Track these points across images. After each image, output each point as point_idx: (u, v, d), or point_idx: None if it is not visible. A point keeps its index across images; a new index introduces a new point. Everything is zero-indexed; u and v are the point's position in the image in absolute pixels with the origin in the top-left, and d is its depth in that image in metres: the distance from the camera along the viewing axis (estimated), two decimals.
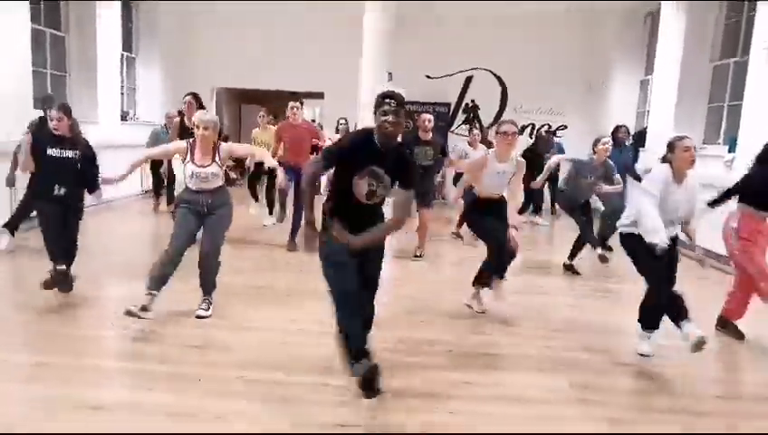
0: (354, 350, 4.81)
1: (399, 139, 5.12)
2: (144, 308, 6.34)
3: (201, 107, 10.41)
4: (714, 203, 7.16)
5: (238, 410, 4.77)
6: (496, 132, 7.36)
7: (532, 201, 15.99)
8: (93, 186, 7.60)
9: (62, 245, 7.33)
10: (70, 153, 7.34)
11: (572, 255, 9.99)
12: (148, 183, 15.41)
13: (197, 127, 6.79)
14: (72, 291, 7.37)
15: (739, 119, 11.24)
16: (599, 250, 9.81)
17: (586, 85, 18.65)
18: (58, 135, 7.30)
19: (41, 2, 12.69)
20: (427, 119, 10.32)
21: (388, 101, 4.89)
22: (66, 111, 7.37)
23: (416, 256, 10.14)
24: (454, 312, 7.48)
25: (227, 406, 4.81)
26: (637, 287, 6.65)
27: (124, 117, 16.26)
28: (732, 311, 7.22)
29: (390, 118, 4.84)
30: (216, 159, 6.90)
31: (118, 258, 7.86)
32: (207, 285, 6.97)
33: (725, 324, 7.22)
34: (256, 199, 13.16)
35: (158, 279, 6.56)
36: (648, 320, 6.39)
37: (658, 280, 6.15)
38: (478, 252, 7.80)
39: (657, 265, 6.09)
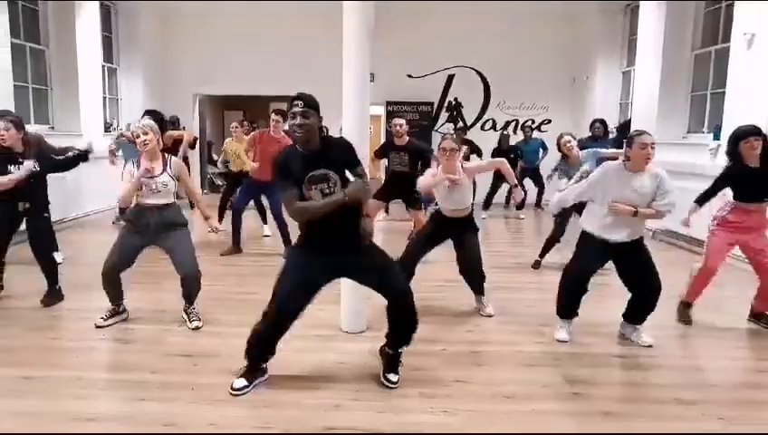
0: (255, 354, 5.33)
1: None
2: (109, 316, 6.73)
3: (161, 125, 10.23)
4: (703, 198, 7.12)
5: (230, 416, 4.76)
6: (438, 148, 7.31)
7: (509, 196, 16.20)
8: (76, 162, 7.58)
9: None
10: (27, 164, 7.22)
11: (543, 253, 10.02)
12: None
13: (137, 136, 6.47)
14: (59, 303, 7.45)
15: (722, 106, 11.27)
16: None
17: (569, 79, 18.70)
18: (6, 148, 7.17)
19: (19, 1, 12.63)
20: (399, 124, 10.04)
21: (295, 102, 4.85)
22: (14, 123, 7.24)
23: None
24: (444, 311, 7.50)
25: (220, 413, 4.79)
26: (614, 278, 6.65)
27: (108, 128, 16.20)
28: (762, 302, 7.23)
29: (297, 120, 4.82)
30: (168, 169, 6.59)
31: (100, 270, 7.80)
32: (191, 297, 6.90)
33: (758, 316, 7.27)
34: (221, 219, 12.04)
35: (112, 297, 6.83)
36: (561, 309, 6.68)
37: (585, 269, 6.43)
38: None
39: (587, 258, 6.44)
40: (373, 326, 6.37)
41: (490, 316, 7.42)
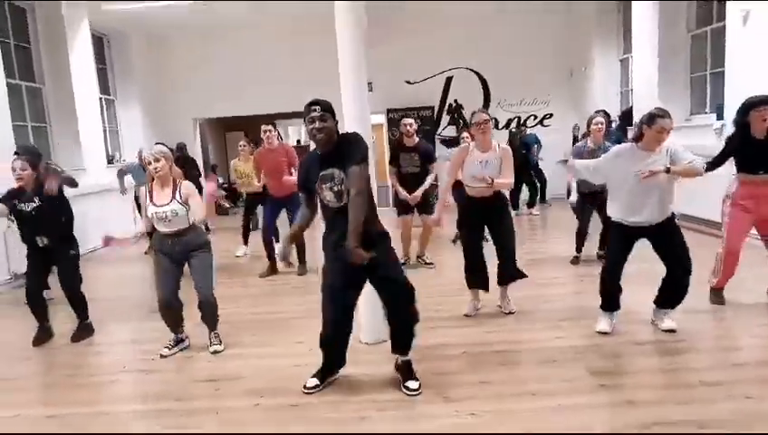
0: (322, 367, 5.58)
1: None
2: (166, 346, 6.77)
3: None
4: (711, 166, 7.02)
5: None
6: (471, 124, 7.29)
7: (531, 193, 16.15)
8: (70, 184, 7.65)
9: (44, 308, 7.49)
10: (34, 204, 7.22)
11: (601, 244, 9.78)
12: (141, 227, 15.32)
13: (149, 163, 6.45)
14: (89, 337, 7.50)
15: (723, 86, 11.24)
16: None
17: (567, 71, 18.64)
18: (21, 187, 7.23)
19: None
20: (408, 123, 10.03)
21: (313, 108, 5.03)
22: (30, 161, 7.30)
23: (426, 263, 10.23)
24: (460, 314, 7.44)
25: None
26: (641, 267, 6.60)
27: (111, 160, 16.20)
28: None
29: (317, 124, 4.99)
30: (177, 196, 6.50)
31: (119, 303, 7.83)
32: (211, 323, 6.91)
33: None
34: (246, 241, 12.37)
35: (170, 326, 6.80)
36: (604, 301, 6.63)
37: (614, 265, 6.43)
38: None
39: (620, 252, 6.40)
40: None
41: (511, 313, 7.40)
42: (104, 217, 7.42)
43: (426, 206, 10.07)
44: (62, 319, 7.75)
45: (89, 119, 14.76)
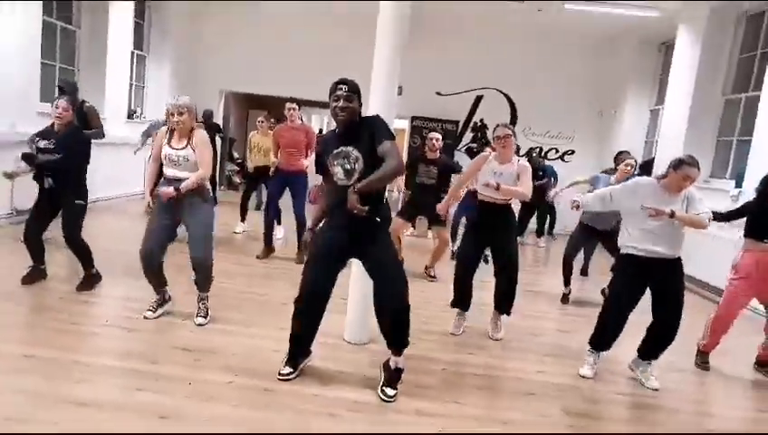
0: (289, 351, 5.59)
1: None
2: (149, 308, 6.80)
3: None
4: (721, 217, 7.30)
5: (224, 414, 4.73)
6: (493, 137, 7.43)
7: (540, 222, 16.12)
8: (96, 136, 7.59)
9: (39, 244, 7.53)
10: (51, 144, 7.24)
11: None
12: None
13: (172, 114, 6.47)
14: (93, 288, 7.56)
15: (747, 154, 11.20)
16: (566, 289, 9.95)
17: (596, 111, 18.61)
18: (52, 125, 7.30)
19: None
20: (436, 138, 10.13)
21: (340, 86, 5.11)
22: (72, 103, 7.43)
23: (430, 276, 10.22)
24: (447, 331, 7.43)
25: (214, 410, 4.76)
26: (633, 316, 6.60)
27: (131, 115, 16.26)
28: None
29: (341, 103, 5.07)
30: (192, 143, 6.53)
31: (115, 257, 7.82)
32: (202, 285, 6.89)
33: (765, 365, 7.29)
34: (243, 218, 12.51)
35: (153, 283, 6.83)
36: (595, 338, 6.60)
37: (617, 299, 6.41)
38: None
39: (626, 286, 6.35)
40: (377, 339, 6.32)
41: (497, 340, 7.40)
42: (116, 170, 7.42)
43: (438, 220, 10.04)
44: (60, 262, 7.76)
45: (118, 70, 14.82)
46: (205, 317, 6.79)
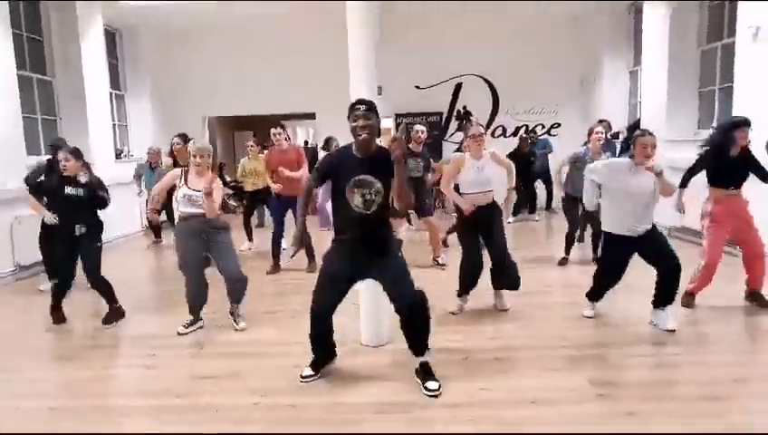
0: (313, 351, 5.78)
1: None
2: (183, 325, 7.29)
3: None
4: (682, 184, 7.65)
5: None
6: (467, 137, 7.81)
7: (528, 200, 16.24)
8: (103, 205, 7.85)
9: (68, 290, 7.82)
10: (83, 191, 7.56)
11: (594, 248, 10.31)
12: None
13: (194, 156, 7.03)
14: (121, 320, 7.85)
15: (731, 101, 11.23)
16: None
17: (576, 82, 18.61)
18: (67, 175, 7.52)
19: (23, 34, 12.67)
20: (421, 130, 10.41)
21: (358, 106, 5.13)
22: (73, 152, 7.60)
23: (440, 264, 10.35)
24: (465, 319, 7.48)
25: (245, 433, 4.79)
26: (643, 277, 6.68)
27: (119, 155, 16.22)
28: (753, 280, 7.67)
29: (360, 122, 5.07)
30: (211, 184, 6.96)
31: (123, 297, 7.83)
32: (237, 295, 7.46)
33: (752, 295, 7.70)
34: (250, 237, 12.92)
35: (194, 308, 7.34)
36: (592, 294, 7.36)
37: (610, 270, 7.07)
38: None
39: (615, 260, 6.94)
40: (394, 340, 6.35)
41: (505, 310, 7.73)
42: (111, 211, 7.50)
43: (424, 209, 10.38)
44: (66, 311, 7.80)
45: (99, 113, 14.74)
46: (245, 321, 7.45)
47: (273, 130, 10.55)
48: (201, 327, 7.37)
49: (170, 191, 7.90)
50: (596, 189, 6.98)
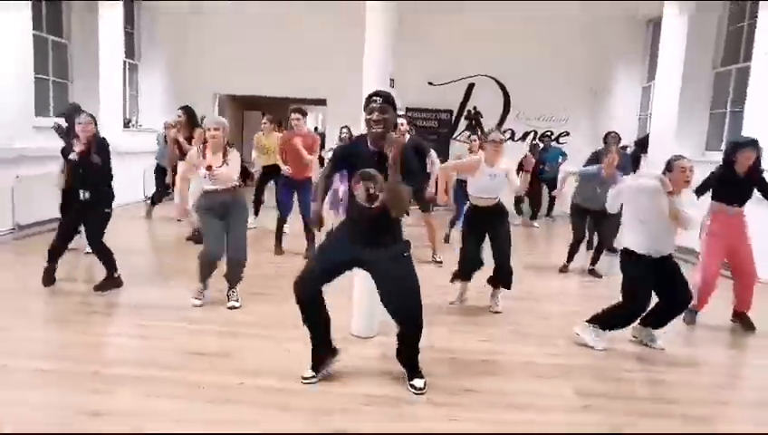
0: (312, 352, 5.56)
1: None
2: (196, 297, 7.47)
3: (193, 120, 10.94)
4: (698, 192, 7.73)
5: (238, 417, 4.76)
6: (486, 141, 7.79)
7: (532, 206, 16.31)
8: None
9: (63, 250, 7.87)
10: (95, 157, 7.59)
11: (593, 260, 10.44)
12: (151, 190, 15.33)
13: (208, 129, 7.20)
14: (115, 289, 7.87)
15: (741, 125, 11.23)
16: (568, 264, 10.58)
17: (588, 92, 18.60)
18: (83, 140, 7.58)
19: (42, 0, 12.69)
20: (400, 123, 10.30)
21: (374, 99, 5.04)
22: (93, 117, 7.72)
23: (437, 261, 10.42)
24: (458, 319, 7.51)
25: (228, 413, 4.81)
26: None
27: (127, 124, 16.28)
28: (740, 302, 7.74)
29: (375, 115, 4.98)
30: (228, 161, 7.28)
31: (119, 266, 7.84)
32: (234, 280, 7.55)
33: (738, 316, 7.78)
34: (257, 213, 12.89)
35: (204, 277, 7.57)
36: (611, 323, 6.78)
37: (646, 297, 6.57)
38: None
39: (648, 281, 6.58)
40: (384, 332, 6.37)
41: (497, 313, 7.76)
42: (118, 179, 7.55)
43: (425, 205, 10.44)
44: (68, 272, 7.82)
45: (111, 80, 14.77)
46: (237, 301, 7.52)
47: (293, 115, 10.46)
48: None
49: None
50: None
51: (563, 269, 10.47)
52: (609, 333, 6.72)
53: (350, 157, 5.29)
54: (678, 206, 6.26)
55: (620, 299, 6.64)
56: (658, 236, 6.48)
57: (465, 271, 7.89)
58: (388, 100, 5.05)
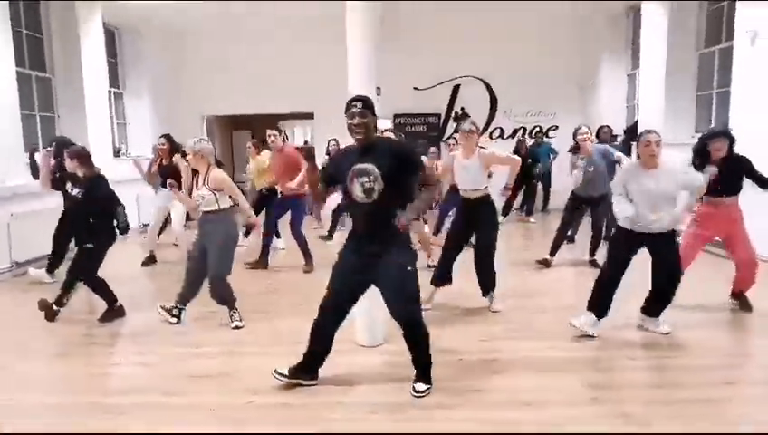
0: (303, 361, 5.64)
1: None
2: (171, 314, 7.50)
3: (173, 147, 11.02)
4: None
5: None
6: (457, 132, 7.90)
7: (525, 202, 16.34)
8: (113, 224, 8.10)
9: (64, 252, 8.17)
10: (76, 191, 7.76)
11: (592, 250, 10.42)
12: (146, 218, 15.33)
13: (186, 155, 7.37)
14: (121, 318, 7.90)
15: (728, 104, 11.27)
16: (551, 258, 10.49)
17: (574, 85, 18.65)
18: (72, 174, 7.76)
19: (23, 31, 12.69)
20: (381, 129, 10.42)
21: (354, 103, 5.18)
22: (83, 153, 7.86)
23: (429, 266, 10.01)
24: (459, 320, 7.50)
25: (240, 432, 4.81)
26: (636, 280, 6.68)
27: (117, 153, 16.24)
28: (739, 282, 7.73)
29: (355, 120, 5.13)
30: (206, 183, 7.22)
31: (117, 294, 7.84)
32: (224, 303, 7.43)
33: (737, 295, 7.77)
34: (246, 235, 12.74)
35: (182, 298, 7.45)
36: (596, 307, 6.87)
37: (614, 266, 6.76)
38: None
39: (619, 254, 6.73)
40: (389, 340, 6.38)
41: (497, 312, 7.75)
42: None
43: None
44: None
45: (97, 111, 14.76)
46: (240, 320, 7.44)
47: (268, 132, 10.61)
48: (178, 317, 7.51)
49: None
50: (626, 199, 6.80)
51: (545, 263, 10.40)
52: (601, 322, 6.81)
53: (340, 160, 5.41)
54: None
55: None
56: (644, 213, 6.47)
57: (442, 267, 7.98)
58: (366, 104, 5.18)
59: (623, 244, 6.71)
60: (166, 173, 10.46)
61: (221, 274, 7.32)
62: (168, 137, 11.28)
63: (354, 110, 5.12)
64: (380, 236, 5.22)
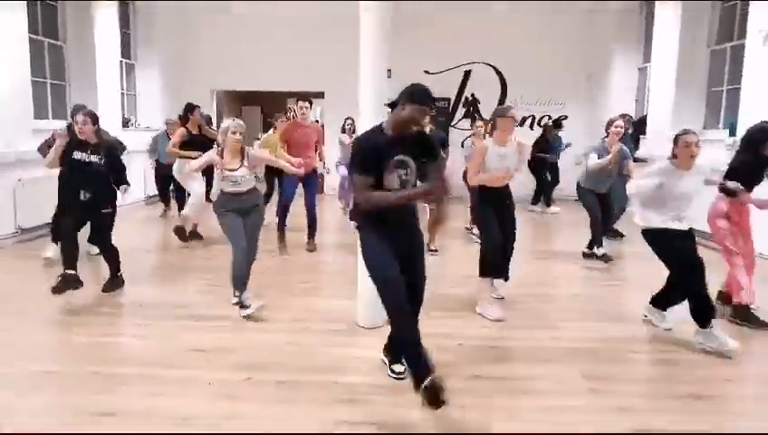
0: (402, 347, 5.11)
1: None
2: (243, 306, 7.02)
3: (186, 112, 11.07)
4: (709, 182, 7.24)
5: (244, 411, 4.78)
6: (497, 116, 7.51)
7: (543, 192, 16.19)
8: (119, 180, 8.01)
9: (76, 252, 7.46)
10: (94, 158, 7.58)
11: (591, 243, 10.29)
12: (152, 189, 15.37)
13: (233, 133, 7.16)
14: (118, 289, 7.92)
15: (738, 102, 11.29)
16: (599, 250, 10.13)
17: (585, 75, 18.63)
18: (83, 140, 7.55)
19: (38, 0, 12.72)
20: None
21: (430, 103, 5.06)
22: (91, 117, 7.64)
23: (431, 251, 10.00)
24: (461, 306, 7.48)
25: (234, 408, 4.82)
26: (641, 274, 6.70)
27: (126, 123, 16.27)
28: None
29: (426, 120, 5.22)
30: (245, 162, 7.26)
31: (123, 266, 7.86)
32: (237, 286, 7.23)
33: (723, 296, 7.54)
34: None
35: (239, 280, 7.11)
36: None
37: (691, 267, 6.37)
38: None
39: (686, 252, 6.44)
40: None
41: (501, 298, 7.69)
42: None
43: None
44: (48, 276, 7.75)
45: (108, 81, 14.82)
46: (250, 307, 7.07)
47: (300, 103, 10.35)
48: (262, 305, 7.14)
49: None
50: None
51: (591, 256, 10.15)
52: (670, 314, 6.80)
53: (373, 149, 4.93)
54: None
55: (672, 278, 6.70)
56: (678, 215, 6.44)
57: (491, 260, 7.45)
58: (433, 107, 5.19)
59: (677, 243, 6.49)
60: (197, 144, 10.56)
61: (252, 260, 7.41)
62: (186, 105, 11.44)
63: (431, 112, 5.10)
64: (407, 222, 5.18)
